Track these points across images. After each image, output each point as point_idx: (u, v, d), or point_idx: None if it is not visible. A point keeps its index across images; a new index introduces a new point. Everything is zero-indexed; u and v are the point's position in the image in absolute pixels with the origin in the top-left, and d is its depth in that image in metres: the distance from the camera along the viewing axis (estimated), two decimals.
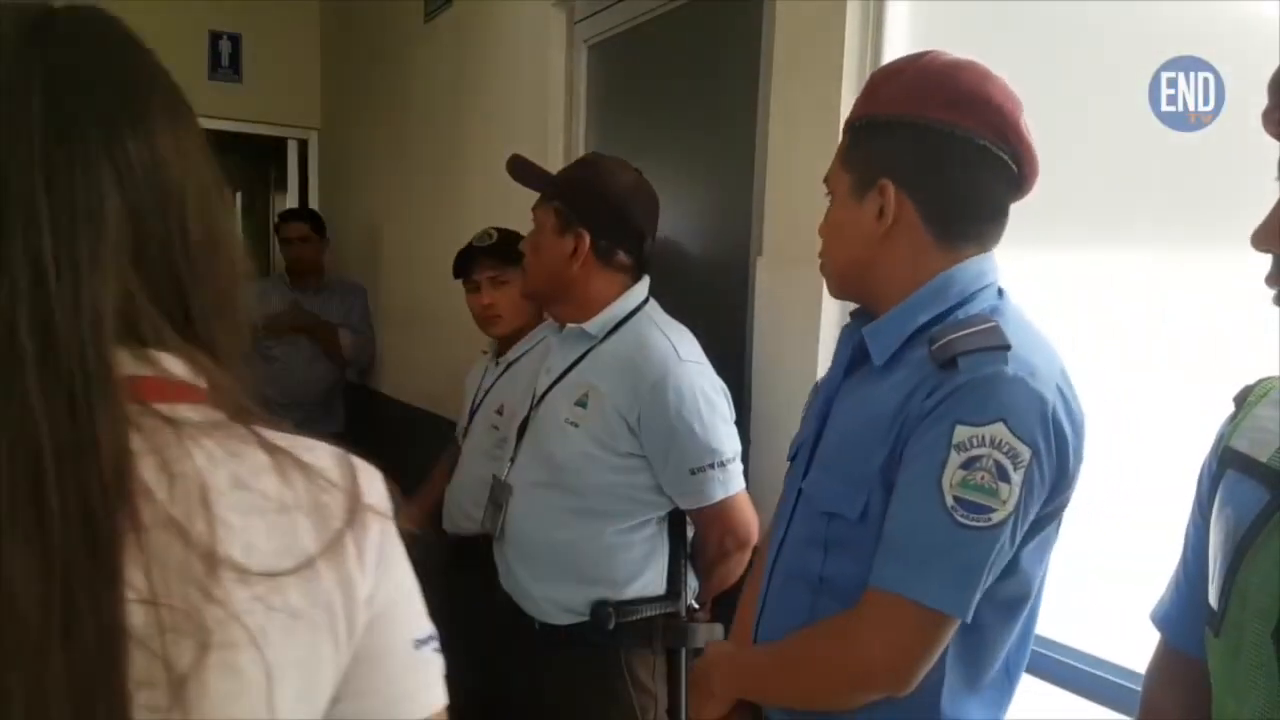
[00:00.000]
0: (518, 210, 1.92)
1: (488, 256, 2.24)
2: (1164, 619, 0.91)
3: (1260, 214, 0.74)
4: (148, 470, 0.53)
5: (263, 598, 0.54)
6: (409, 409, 3.43)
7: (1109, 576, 1.25)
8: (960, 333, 0.99)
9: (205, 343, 0.61)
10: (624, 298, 1.66)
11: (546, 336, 2.28)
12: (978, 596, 0.95)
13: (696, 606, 1.71)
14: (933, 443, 0.95)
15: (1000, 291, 1.07)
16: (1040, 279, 1.33)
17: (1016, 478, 0.92)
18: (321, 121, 4.47)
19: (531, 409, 1.73)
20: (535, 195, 1.74)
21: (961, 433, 0.93)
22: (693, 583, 1.70)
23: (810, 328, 1.61)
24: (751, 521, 1.61)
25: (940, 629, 0.96)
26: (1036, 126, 1.05)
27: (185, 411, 0.57)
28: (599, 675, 1.63)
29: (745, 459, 1.62)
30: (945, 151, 1.03)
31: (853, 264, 1.12)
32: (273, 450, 0.59)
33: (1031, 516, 0.97)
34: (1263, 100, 0.74)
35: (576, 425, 1.60)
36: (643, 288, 1.69)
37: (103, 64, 0.59)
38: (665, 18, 2.14)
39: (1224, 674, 0.77)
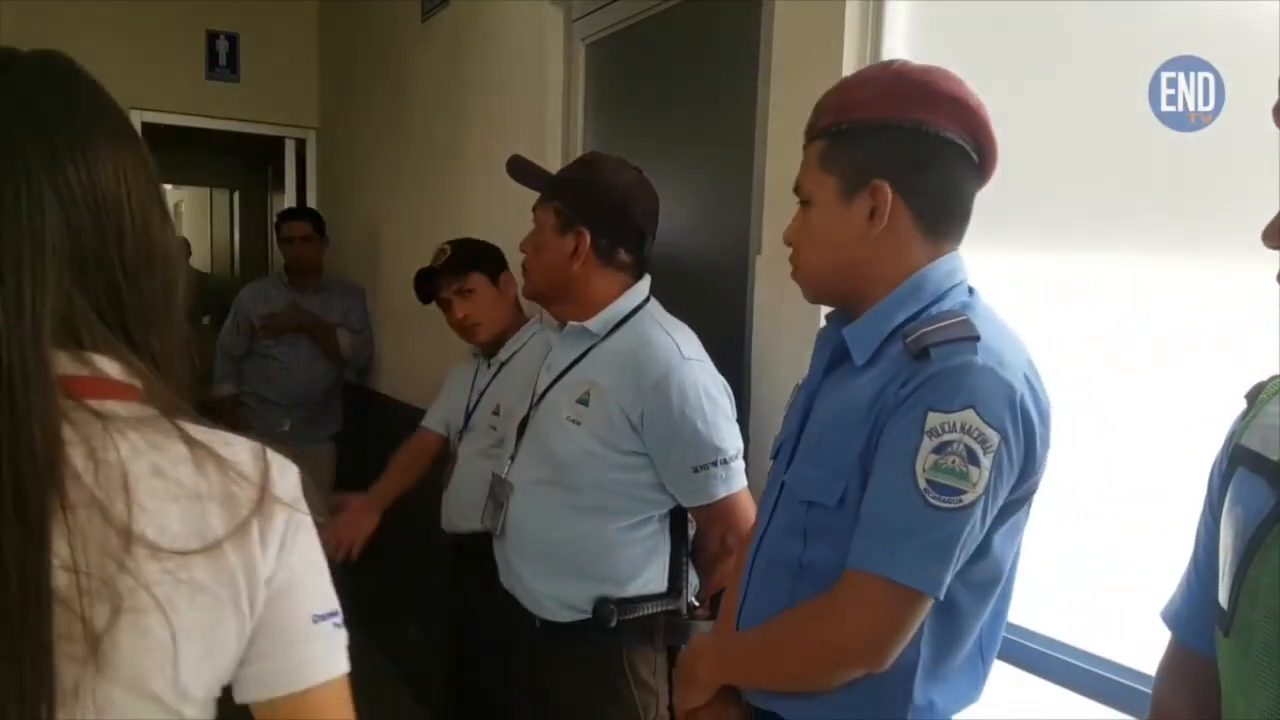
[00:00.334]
0: (516, 208, 1.92)
1: (447, 273, 2.25)
2: (1174, 617, 0.92)
3: (1261, 212, 0.74)
4: (77, 457, 0.62)
5: (172, 572, 0.63)
6: (407, 409, 3.42)
7: (1105, 576, 1.26)
8: (933, 326, 1.04)
9: (142, 346, 0.70)
10: (626, 296, 1.67)
11: (537, 333, 2.28)
12: (949, 575, 0.99)
13: (697, 604, 1.72)
14: (907, 429, 1.00)
15: (970, 290, 1.12)
16: (1038, 280, 1.34)
17: (986, 461, 0.97)
18: (319, 121, 4.46)
19: (532, 407, 1.73)
20: (534, 194, 1.75)
21: (934, 419, 0.98)
22: (694, 580, 1.70)
23: (809, 326, 1.61)
24: (752, 519, 1.62)
25: (914, 606, 1.00)
26: (1036, 127, 1.06)
27: (114, 407, 0.65)
28: (600, 673, 1.64)
29: (744, 457, 1.63)
30: (931, 150, 1.08)
31: (838, 267, 1.14)
32: (192, 444, 0.67)
33: (1001, 499, 1.01)
34: (1263, 100, 0.74)
35: (578, 423, 1.60)
36: (644, 286, 1.70)
37: (52, 100, 0.69)
38: (663, 16, 2.14)
39: (1234, 673, 0.76)
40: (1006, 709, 1.28)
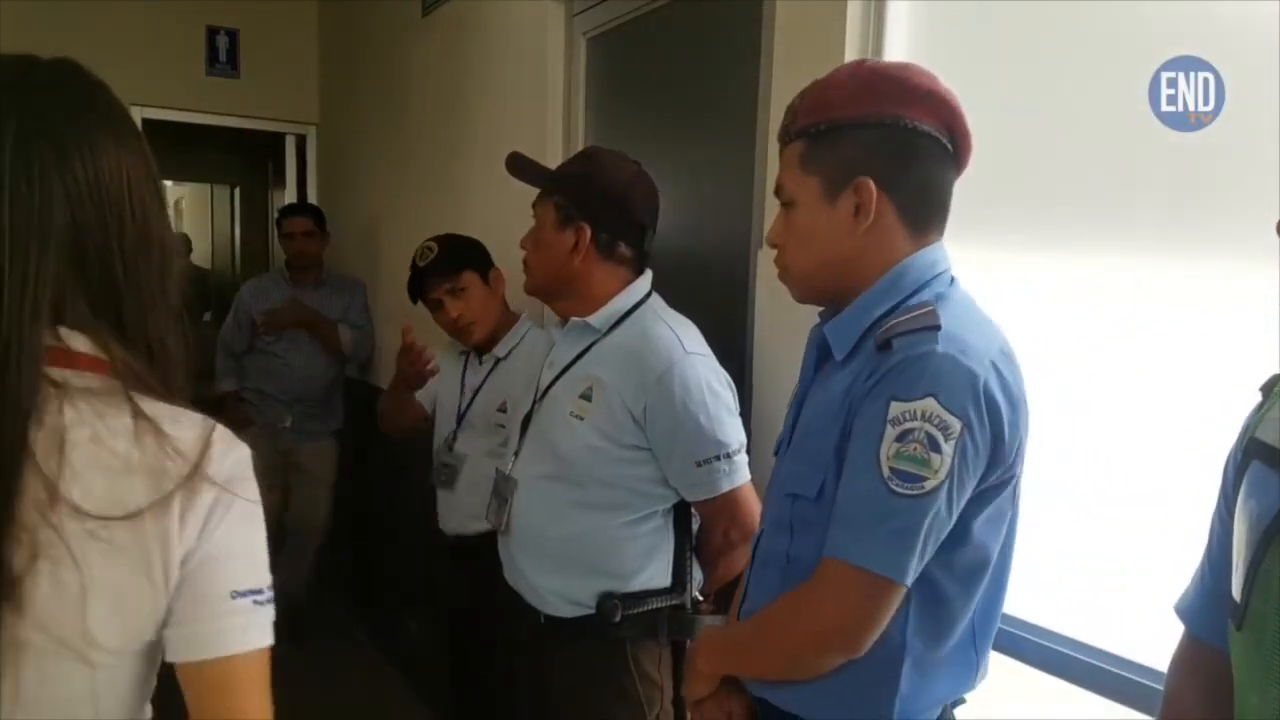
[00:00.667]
0: (517, 204, 1.92)
1: (436, 273, 2.21)
2: (1187, 610, 0.92)
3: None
4: None
5: (92, 532, 0.70)
6: None
7: (1106, 576, 1.27)
8: (901, 318, 1.06)
9: (135, 330, 0.77)
10: (627, 291, 1.67)
11: (532, 328, 2.28)
12: (916, 561, 1.01)
13: (701, 599, 1.72)
14: (872, 419, 1.02)
15: (952, 279, 1.13)
16: (1039, 279, 1.34)
17: (948, 448, 0.99)
18: (320, 116, 4.45)
19: (535, 403, 1.73)
20: (534, 189, 1.75)
21: (895, 408, 1.00)
22: (698, 575, 1.71)
23: (811, 321, 1.61)
24: (756, 513, 1.62)
25: (884, 592, 1.02)
26: (1037, 126, 1.06)
27: (71, 376, 0.73)
28: (605, 668, 1.64)
29: (747, 451, 1.63)
30: (911, 145, 1.09)
31: (825, 266, 1.15)
32: (139, 416, 0.73)
33: (969, 486, 1.02)
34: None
35: (581, 418, 1.61)
36: (646, 281, 1.70)
37: (63, 103, 0.76)
38: (664, 11, 2.14)
39: (1246, 666, 0.76)
40: (1009, 704, 1.29)
